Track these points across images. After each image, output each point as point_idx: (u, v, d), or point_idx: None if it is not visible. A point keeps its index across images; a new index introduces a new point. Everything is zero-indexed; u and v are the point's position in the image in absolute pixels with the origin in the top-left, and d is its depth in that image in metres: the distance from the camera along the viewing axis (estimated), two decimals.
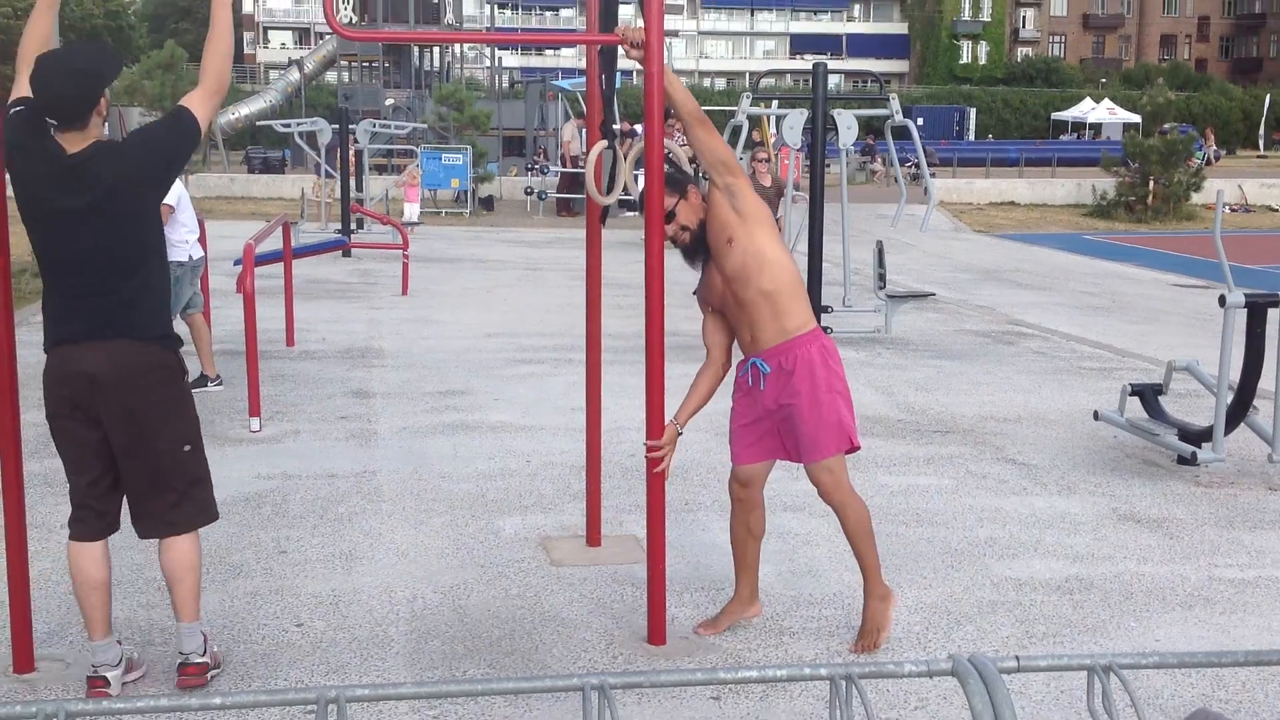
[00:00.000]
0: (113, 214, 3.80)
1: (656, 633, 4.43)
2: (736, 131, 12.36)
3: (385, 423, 7.68)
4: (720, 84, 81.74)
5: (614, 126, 4.93)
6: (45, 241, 3.83)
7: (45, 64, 3.79)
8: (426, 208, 25.09)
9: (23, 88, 3.89)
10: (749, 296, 4.26)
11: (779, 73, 75.90)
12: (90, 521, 3.95)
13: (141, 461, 3.89)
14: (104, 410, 3.82)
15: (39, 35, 4.03)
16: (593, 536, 5.48)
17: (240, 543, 5.39)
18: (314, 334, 10.68)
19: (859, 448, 4.44)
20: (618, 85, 5.20)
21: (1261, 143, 63.44)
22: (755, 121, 12.46)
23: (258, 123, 29.81)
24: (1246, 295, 6.50)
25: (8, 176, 3.90)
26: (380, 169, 30.69)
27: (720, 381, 4.47)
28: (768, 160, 13.33)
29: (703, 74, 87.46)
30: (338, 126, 19.48)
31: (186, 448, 3.99)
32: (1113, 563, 5.41)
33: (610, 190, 4.73)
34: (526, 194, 26.18)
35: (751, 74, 78.91)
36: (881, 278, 11.35)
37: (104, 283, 3.82)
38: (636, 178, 4.60)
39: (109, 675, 3.95)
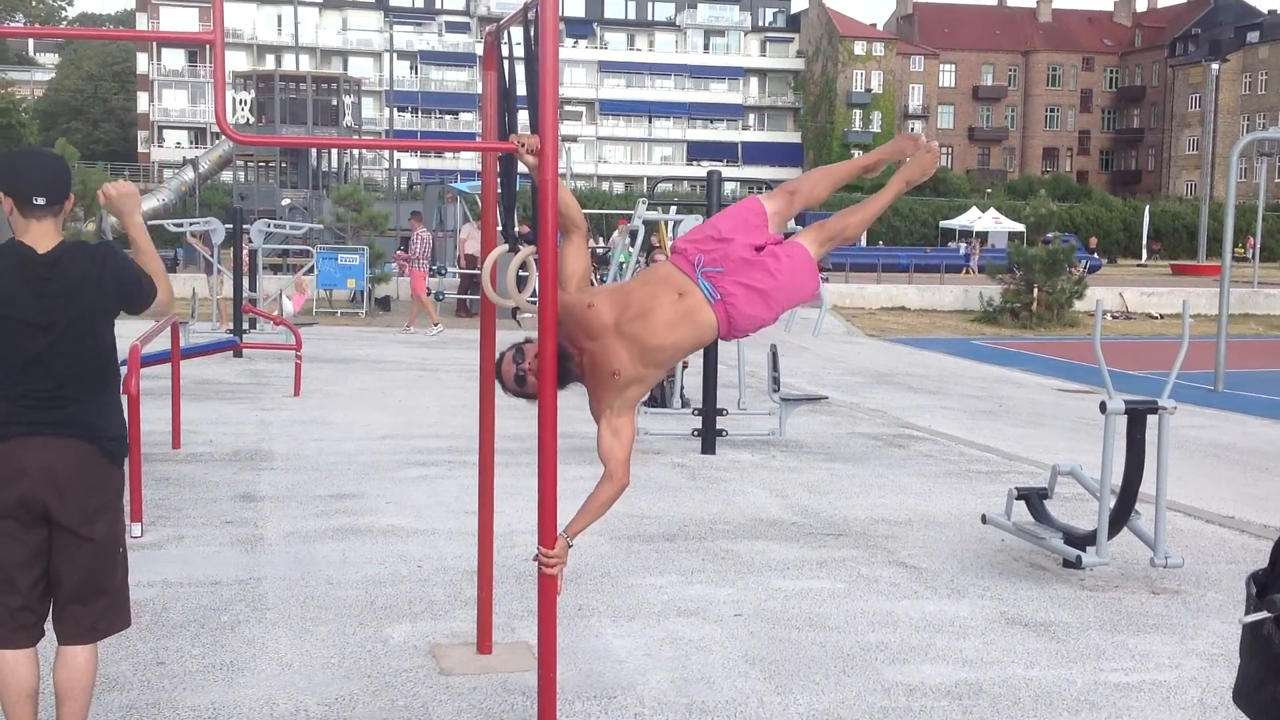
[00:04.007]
0: (83, 325, 3.78)
1: None
2: (634, 234, 12.51)
3: (272, 527, 7.52)
4: (619, 188, 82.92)
5: (514, 231, 4.95)
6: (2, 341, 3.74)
7: (20, 154, 3.90)
8: (322, 308, 24.92)
9: None
10: (660, 307, 4.18)
11: (675, 179, 77.17)
12: (31, 626, 3.86)
13: (83, 562, 3.83)
14: (58, 505, 3.76)
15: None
16: (483, 644, 5.38)
17: (117, 653, 5.20)
18: (201, 436, 10.47)
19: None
20: (516, 188, 5.23)
21: (1144, 252, 65.87)
22: (652, 225, 12.64)
23: (149, 222, 29.47)
24: (1126, 402, 6.67)
25: None
26: (275, 269, 30.43)
27: (618, 498, 4.35)
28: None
29: (601, 178, 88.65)
30: (231, 226, 19.32)
31: (121, 550, 3.97)
32: (1001, 667, 5.45)
33: (521, 290, 4.70)
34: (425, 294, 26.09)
35: (649, 179, 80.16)
36: (776, 381, 11.47)
37: (66, 384, 3.78)
38: (524, 281, 4.60)
39: None
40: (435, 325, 21.63)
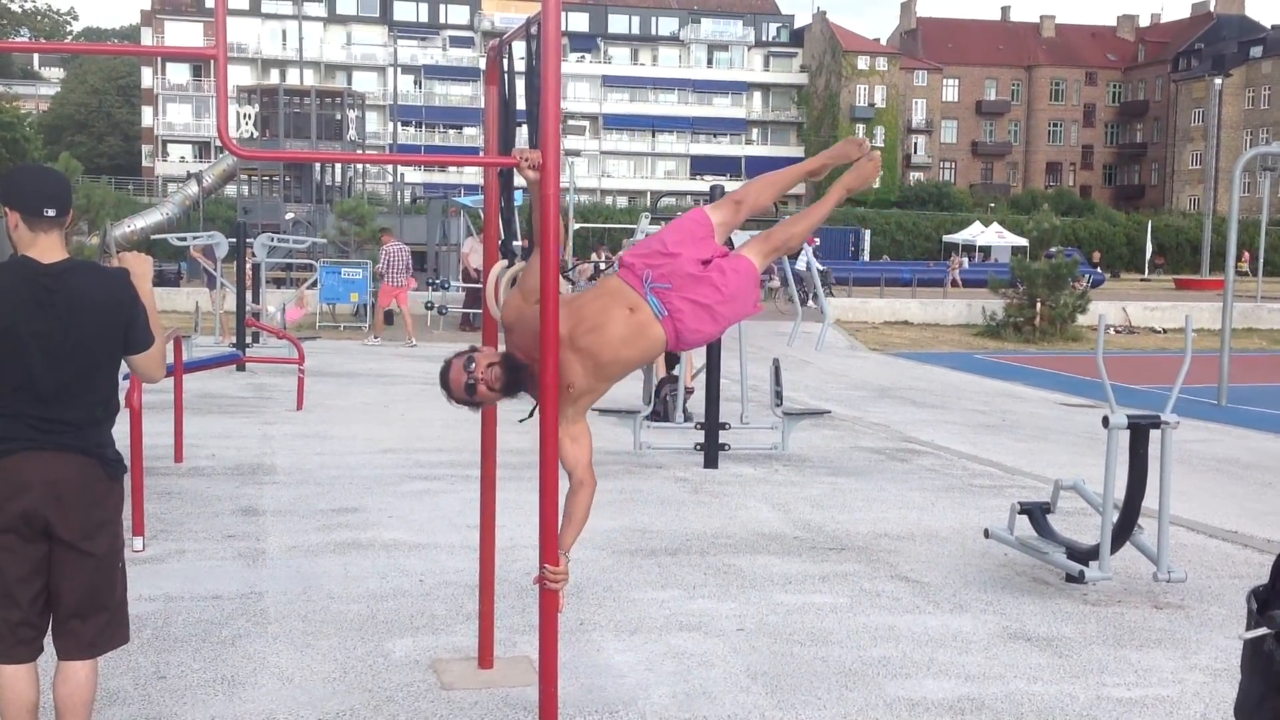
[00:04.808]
0: (88, 342, 3.79)
1: None
2: None
3: (274, 541, 7.52)
4: (622, 202, 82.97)
5: (515, 244, 4.96)
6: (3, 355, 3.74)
7: (24, 168, 3.93)
8: (325, 322, 24.95)
9: None
10: (612, 316, 4.21)
11: (679, 193, 77.25)
12: (31, 641, 3.87)
13: (83, 577, 3.84)
14: (59, 520, 3.77)
15: None
16: (485, 658, 5.38)
17: (117, 668, 5.20)
18: (204, 450, 10.47)
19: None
20: (518, 203, 5.25)
21: (1147, 267, 65.88)
22: None
23: (153, 236, 29.54)
24: (1129, 416, 6.67)
25: None
26: (278, 283, 30.48)
27: (592, 499, 4.36)
28: None
29: (605, 192, 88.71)
30: (235, 240, 19.36)
31: (120, 565, 3.98)
32: (1003, 682, 5.44)
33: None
34: (427, 309, 26.13)
35: (652, 193, 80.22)
36: (778, 395, 11.46)
37: (69, 399, 3.79)
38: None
39: None
40: (374, 338, 22.21)
